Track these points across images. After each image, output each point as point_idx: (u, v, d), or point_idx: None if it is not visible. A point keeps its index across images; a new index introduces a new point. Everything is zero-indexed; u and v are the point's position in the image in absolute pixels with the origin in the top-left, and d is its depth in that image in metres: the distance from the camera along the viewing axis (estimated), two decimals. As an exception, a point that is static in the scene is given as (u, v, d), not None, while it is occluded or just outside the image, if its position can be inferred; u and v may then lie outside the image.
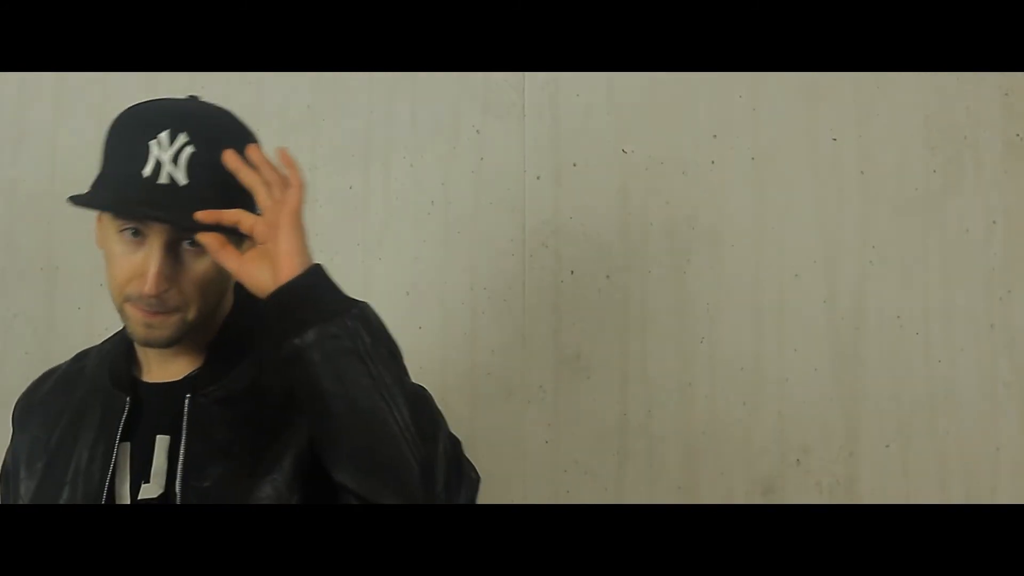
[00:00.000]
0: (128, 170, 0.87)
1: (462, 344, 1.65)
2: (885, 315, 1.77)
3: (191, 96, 0.94)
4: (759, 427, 1.71)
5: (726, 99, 1.75)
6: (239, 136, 0.91)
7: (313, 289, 0.85)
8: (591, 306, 1.68)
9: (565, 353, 1.67)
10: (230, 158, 0.87)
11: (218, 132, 0.90)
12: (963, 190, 1.82)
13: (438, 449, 0.89)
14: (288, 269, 0.85)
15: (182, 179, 0.86)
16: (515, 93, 1.70)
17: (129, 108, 0.92)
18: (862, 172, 1.78)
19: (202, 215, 0.85)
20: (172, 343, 0.91)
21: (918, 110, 1.81)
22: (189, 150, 0.87)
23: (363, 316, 0.86)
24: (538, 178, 1.69)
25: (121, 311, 0.90)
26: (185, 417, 0.91)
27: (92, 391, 0.97)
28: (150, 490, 0.89)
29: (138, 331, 0.90)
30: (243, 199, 0.88)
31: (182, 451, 0.89)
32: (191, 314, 0.90)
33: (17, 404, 1.04)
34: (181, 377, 0.94)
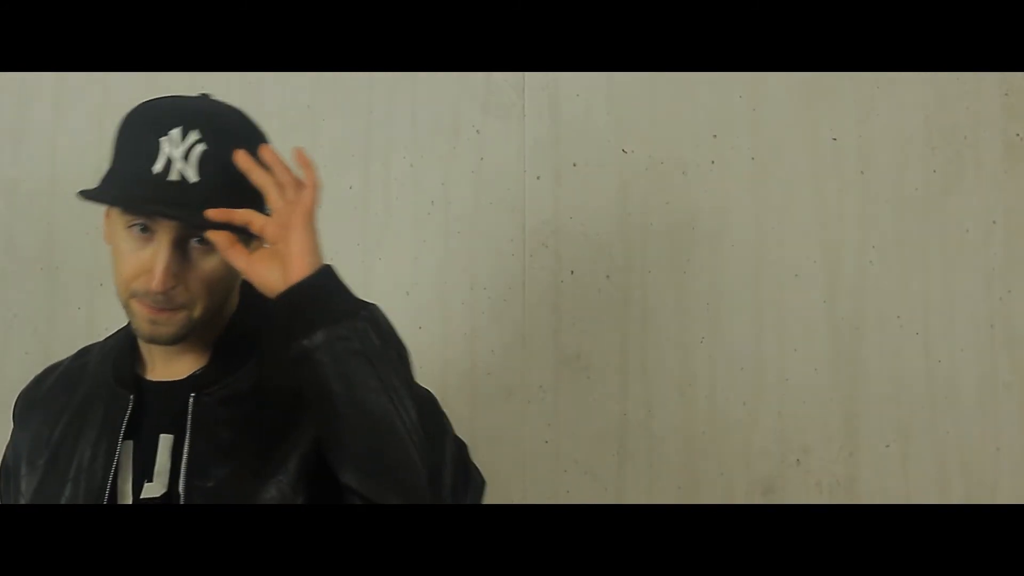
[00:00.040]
0: (138, 166, 0.86)
1: (462, 344, 1.65)
2: (885, 315, 1.77)
3: (203, 94, 0.93)
4: (759, 427, 1.71)
5: (726, 99, 1.75)
6: (251, 136, 0.91)
7: (323, 290, 0.85)
8: (591, 306, 1.68)
9: (565, 353, 1.67)
10: (242, 158, 0.87)
11: (230, 131, 0.90)
12: (963, 190, 1.82)
13: (446, 452, 0.89)
14: (299, 269, 0.84)
15: (193, 176, 0.86)
16: (515, 93, 1.70)
17: (141, 104, 0.92)
18: (862, 172, 1.78)
19: (212, 213, 0.85)
20: (177, 340, 0.90)
21: (918, 110, 1.81)
22: (201, 148, 0.87)
23: (372, 318, 0.86)
24: (538, 178, 1.69)
25: (127, 307, 0.90)
26: (189, 416, 0.90)
27: (95, 388, 0.97)
28: (153, 489, 0.89)
29: (143, 327, 0.89)
30: (253, 199, 0.88)
31: (186, 450, 0.89)
32: (197, 312, 0.90)
33: (18, 400, 1.03)
34: (185, 376, 0.94)
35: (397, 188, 1.66)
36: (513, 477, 1.63)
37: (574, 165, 1.70)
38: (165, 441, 0.90)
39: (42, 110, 1.60)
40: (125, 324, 1.02)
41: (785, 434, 1.72)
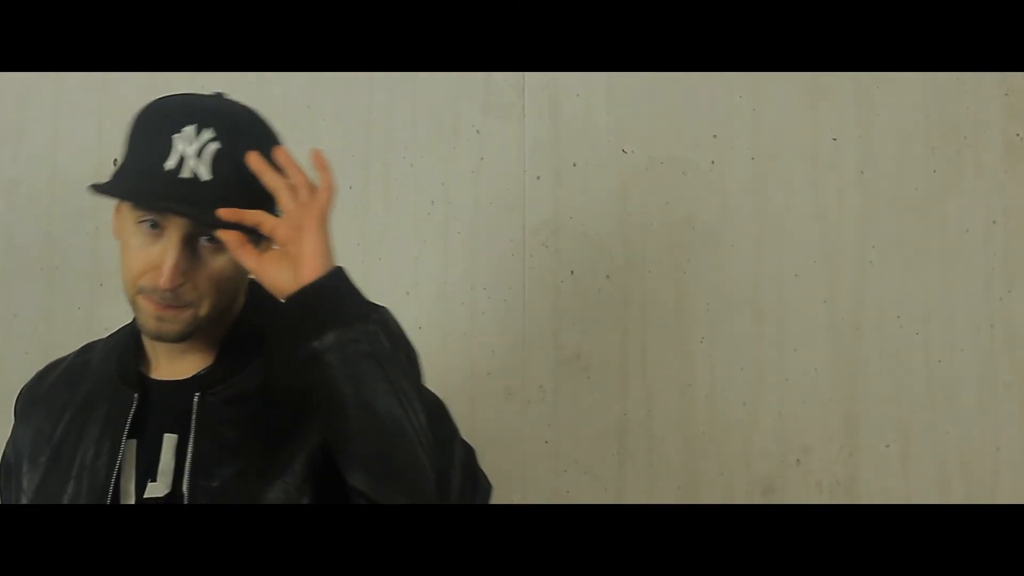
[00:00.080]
0: (151, 162, 0.86)
1: (462, 344, 1.65)
2: (885, 315, 1.77)
3: (217, 93, 0.93)
4: (759, 427, 1.71)
5: (726, 99, 1.75)
6: (265, 137, 0.91)
7: (335, 291, 0.85)
8: (591, 306, 1.68)
9: (565, 353, 1.67)
10: (254, 160, 0.87)
11: (245, 131, 0.90)
12: (963, 190, 1.82)
13: (454, 457, 0.89)
14: (311, 270, 0.84)
15: (205, 174, 0.86)
16: (515, 93, 1.70)
17: (155, 100, 0.92)
18: (862, 172, 1.78)
19: (224, 212, 0.85)
20: (182, 338, 0.90)
21: (918, 110, 1.81)
22: (214, 146, 0.86)
23: (383, 321, 0.85)
24: (538, 178, 1.69)
25: (133, 303, 0.90)
26: (194, 416, 0.90)
27: (98, 385, 0.96)
28: (156, 488, 0.89)
29: (149, 324, 0.89)
30: (264, 200, 0.88)
31: (190, 450, 0.89)
32: (203, 310, 0.89)
33: (20, 395, 1.03)
34: (190, 375, 0.94)
35: (397, 188, 1.66)
36: (513, 477, 1.63)
37: (574, 165, 1.70)
38: (169, 440, 0.90)
39: (42, 110, 1.59)
40: (126, 323, 1.02)
41: (785, 434, 1.72)
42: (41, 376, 1.03)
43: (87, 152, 1.55)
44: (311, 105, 1.65)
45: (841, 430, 1.74)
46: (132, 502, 0.89)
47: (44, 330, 1.56)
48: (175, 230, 0.86)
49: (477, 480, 0.92)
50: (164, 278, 0.86)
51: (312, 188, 0.87)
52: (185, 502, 0.87)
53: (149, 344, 0.95)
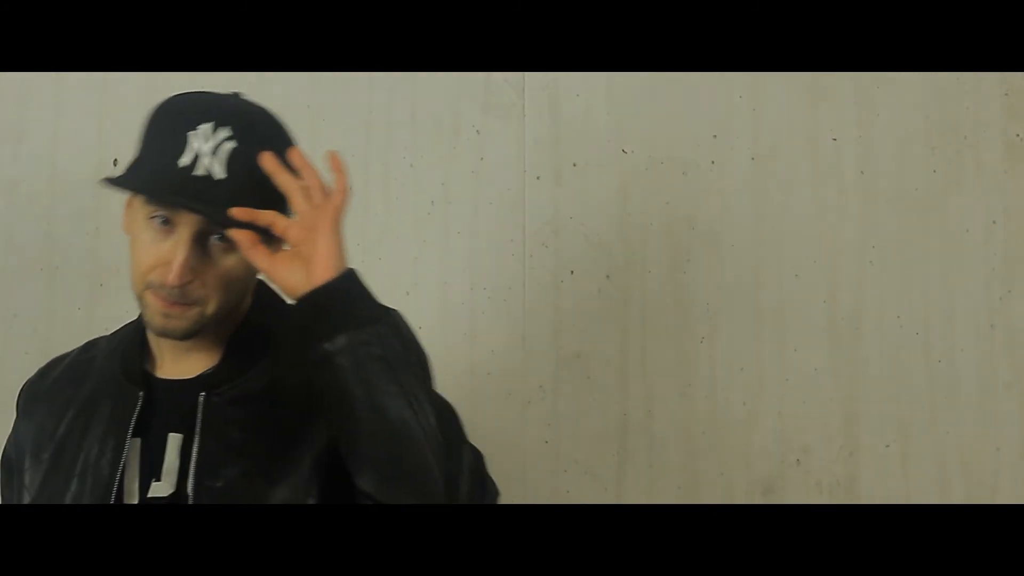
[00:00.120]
0: (165, 158, 0.86)
1: (462, 344, 1.65)
2: (885, 315, 1.77)
3: (234, 92, 0.93)
4: (759, 427, 1.71)
5: (726, 99, 1.75)
6: (281, 138, 0.91)
7: (347, 294, 0.85)
8: (591, 306, 1.68)
9: (565, 353, 1.67)
10: (268, 161, 0.86)
11: (261, 131, 0.90)
12: (963, 190, 1.82)
13: (463, 461, 0.89)
14: (324, 271, 0.84)
15: (219, 173, 0.86)
16: (515, 93, 1.70)
17: (171, 97, 0.92)
18: (862, 172, 1.78)
19: (237, 212, 0.84)
20: (188, 336, 0.90)
21: (918, 110, 1.81)
22: (230, 145, 0.86)
23: (394, 324, 0.86)
24: (538, 178, 1.69)
25: (140, 299, 0.90)
26: (199, 415, 0.90)
27: (102, 383, 0.96)
28: (161, 488, 0.89)
29: (155, 320, 0.89)
30: (278, 200, 0.88)
31: (195, 450, 0.88)
32: (211, 308, 0.89)
33: (22, 391, 1.02)
34: (195, 374, 0.93)
35: (397, 188, 1.66)
36: (513, 477, 1.63)
37: (574, 165, 1.70)
38: (174, 440, 0.90)
39: (42, 110, 1.59)
40: (128, 321, 1.02)
41: (785, 434, 1.72)
42: (44, 372, 1.03)
43: (87, 152, 1.55)
44: (311, 105, 1.64)
45: (841, 430, 1.74)
46: (136, 501, 0.89)
47: (44, 330, 1.56)
48: (186, 227, 0.86)
49: (485, 485, 0.91)
50: (173, 275, 0.85)
51: (326, 190, 0.87)
52: (189, 502, 0.87)
53: (155, 342, 0.95)
